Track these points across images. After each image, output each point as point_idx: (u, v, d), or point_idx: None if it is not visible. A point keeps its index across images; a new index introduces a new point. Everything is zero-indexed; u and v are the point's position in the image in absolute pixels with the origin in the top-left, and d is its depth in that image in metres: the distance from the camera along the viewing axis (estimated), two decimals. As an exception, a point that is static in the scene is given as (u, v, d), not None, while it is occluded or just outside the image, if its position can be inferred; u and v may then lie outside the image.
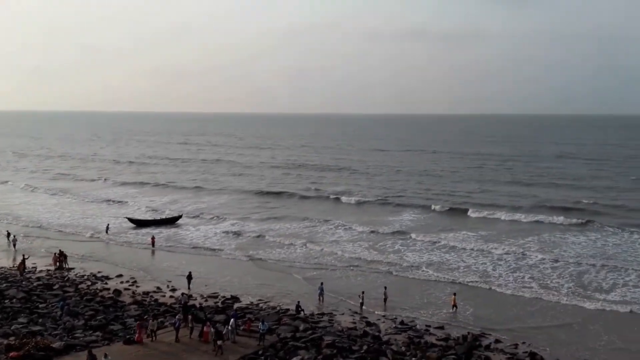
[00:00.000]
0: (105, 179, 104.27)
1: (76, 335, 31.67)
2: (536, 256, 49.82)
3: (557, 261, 48.28)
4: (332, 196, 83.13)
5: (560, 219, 64.29)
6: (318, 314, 36.32)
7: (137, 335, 30.12)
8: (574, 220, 63.06)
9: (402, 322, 34.94)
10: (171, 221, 66.37)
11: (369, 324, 34.55)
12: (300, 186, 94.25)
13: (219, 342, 28.88)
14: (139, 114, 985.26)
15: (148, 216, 70.01)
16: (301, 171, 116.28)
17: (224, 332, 30.57)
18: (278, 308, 37.19)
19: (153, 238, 56.07)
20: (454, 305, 37.28)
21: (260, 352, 29.70)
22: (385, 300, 38.32)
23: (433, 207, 73.02)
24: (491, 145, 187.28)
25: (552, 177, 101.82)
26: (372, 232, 59.70)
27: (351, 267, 47.58)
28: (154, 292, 40.84)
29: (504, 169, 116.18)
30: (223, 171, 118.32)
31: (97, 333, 31.92)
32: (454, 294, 38.35)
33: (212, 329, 30.23)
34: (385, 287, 39.20)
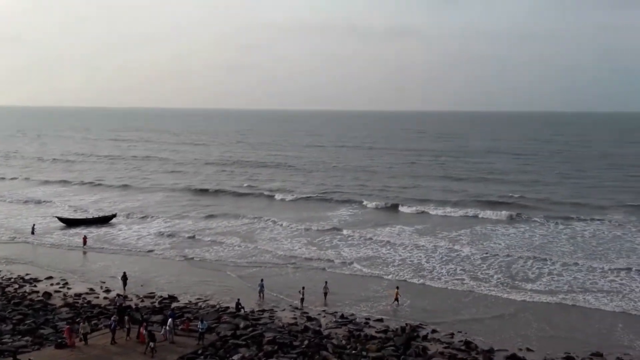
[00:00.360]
0: (27, 178, 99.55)
1: (4, 340, 30.27)
2: (467, 249, 51.86)
3: (487, 253, 50.48)
4: (267, 193, 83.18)
5: (489, 212, 67.27)
6: (258, 310, 36.36)
7: (68, 340, 29.12)
8: (503, 213, 66.14)
9: (342, 316, 35.58)
10: (104, 220, 64.27)
11: (309, 319, 34.96)
12: (236, 183, 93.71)
13: (151, 344, 28.40)
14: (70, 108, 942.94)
15: (78, 216, 67.45)
16: (236, 168, 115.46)
17: (161, 333, 30.14)
18: (217, 306, 36.94)
19: (85, 238, 54.15)
20: (397, 299, 38.27)
21: (199, 351, 29.47)
22: (325, 295, 38.83)
23: (367, 203, 74.43)
24: (423, 142, 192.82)
25: (482, 172, 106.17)
26: (309, 228, 60.12)
27: (289, 264, 47.85)
28: (87, 293, 39.54)
29: (437, 165, 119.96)
30: (154, 168, 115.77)
31: (27, 338, 30.65)
32: (397, 287, 39.42)
33: (144, 331, 29.66)
34: (326, 282, 39.74)
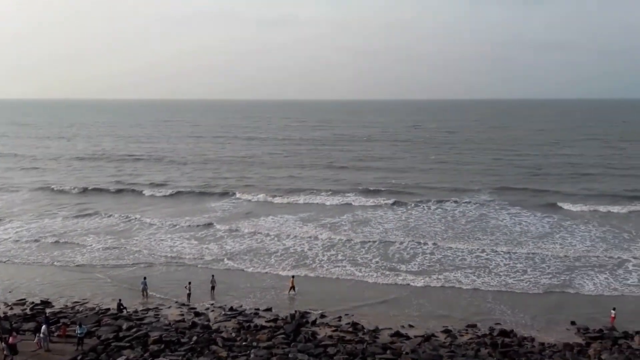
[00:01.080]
0: None
1: None
2: (347, 235, 53.93)
3: (366, 238, 52.84)
4: (140, 188, 79.97)
5: (368, 198, 70.42)
6: (142, 310, 35.39)
7: None
8: (381, 199, 69.48)
9: (231, 309, 35.69)
10: None
11: (197, 314, 34.65)
12: (105, 179, 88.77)
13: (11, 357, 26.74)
14: None
15: None
16: (105, 162, 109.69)
17: (35, 340, 28.39)
18: (97, 309, 35.39)
19: None
20: (292, 287, 38.96)
21: (79, 357, 28.21)
22: (213, 289, 38.57)
23: (248, 194, 74.34)
24: (306, 130, 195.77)
25: (363, 159, 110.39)
26: (187, 224, 58.59)
27: (171, 262, 46.72)
28: (-59, 307, 35.90)
29: (319, 153, 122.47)
30: (8, 165, 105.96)
31: None
32: (292, 276, 40.23)
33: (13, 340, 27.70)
34: (213, 276, 39.52)
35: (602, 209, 63.87)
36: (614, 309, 33.87)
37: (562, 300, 38.01)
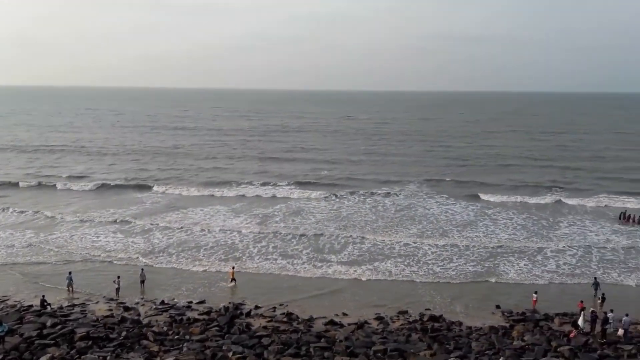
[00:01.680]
0: None
1: None
2: (279, 226, 54.32)
3: (297, 229, 53.35)
4: (54, 182, 76.18)
5: (300, 190, 71.26)
6: (68, 306, 34.34)
7: None
8: (313, 191, 70.30)
9: (162, 302, 35.25)
10: None
11: (127, 309, 34.01)
12: (15, 172, 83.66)
13: None
14: None
15: None
16: (16, 154, 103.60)
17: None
18: (19, 306, 34.01)
19: None
20: (233, 278, 38.93)
21: (0, 357, 27.03)
22: (142, 283, 37.92)
23: (178, 187, 73.26)
24: (235, 120, 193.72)
25: (296, 150, 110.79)
26: (114, 219, 56.68)
27: (94, 257, 45.26)
28: None
29: (248, 144, 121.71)
30: None
31: None
32: (232, 267, 40.32)
33: None
34: (142, 269, 38.89)
35: (522, 198, 67.42)
36: (535, 293, 36.09)
37: (487, 286, 40.02)
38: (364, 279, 41.06)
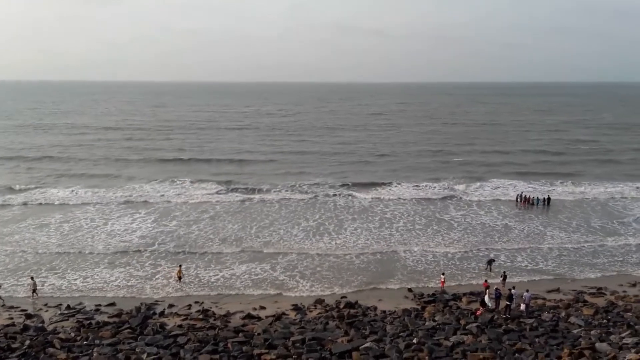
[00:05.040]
0: None
1: None
2: (177, 225, 53.33)
3: (195, 227, 53.15)
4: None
5: (210, 185, 70.83)
6: (-41, 318, 32.29)
7: None
8: (221, 188, 69.72)
9: (68, 307, 34.07)
10: None
11: (29, 316, 32.59)
12: None
13: None
14: None
15: None
16: None
17: None
18: None
19: None
20: (180, 276, 38.50)
21: None
22: (34, 291, 36.15)
23: (69, 187, 70.36)
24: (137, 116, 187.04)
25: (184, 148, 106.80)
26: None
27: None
28: None
29: (165, 141, 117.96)
30: None
31: None
32: (180, 265, 39.80)
33: None
34: (32, 277, 37.12)
35: (419, 188, 70.98)
36: (443, 274, 38.33)
37: (394, 269, 41.92)
38: (275, 271, 41.66)
